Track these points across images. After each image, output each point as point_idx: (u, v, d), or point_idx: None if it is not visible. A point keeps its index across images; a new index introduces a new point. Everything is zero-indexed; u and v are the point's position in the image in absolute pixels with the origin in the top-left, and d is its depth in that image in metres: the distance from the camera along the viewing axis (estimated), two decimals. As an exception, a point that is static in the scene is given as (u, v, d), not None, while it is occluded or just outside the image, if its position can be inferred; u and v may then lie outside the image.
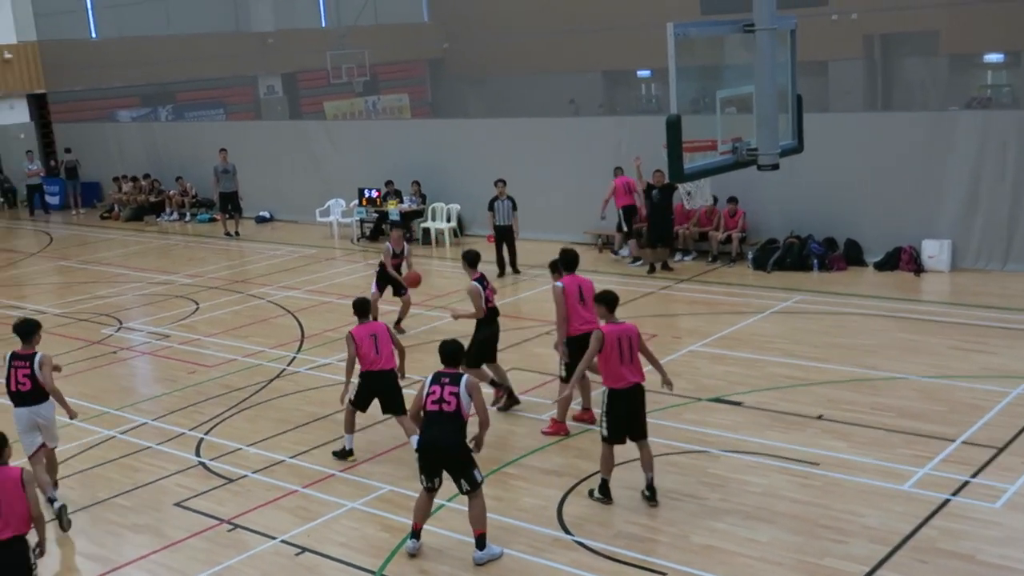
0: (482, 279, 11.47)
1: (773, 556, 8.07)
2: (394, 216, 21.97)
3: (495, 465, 10.04)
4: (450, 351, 8.53)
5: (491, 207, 18.23)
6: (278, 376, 13.36)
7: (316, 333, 15.17)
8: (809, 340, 13.47)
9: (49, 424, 9.71)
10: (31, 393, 9.49)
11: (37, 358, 9.52)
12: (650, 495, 9.04)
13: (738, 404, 11.28)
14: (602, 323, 9.17)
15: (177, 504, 9.75)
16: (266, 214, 26.04)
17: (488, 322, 11.39)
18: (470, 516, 8.36)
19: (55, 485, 9.80)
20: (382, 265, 14.91)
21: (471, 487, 8.27)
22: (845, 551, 8.07)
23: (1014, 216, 16.08)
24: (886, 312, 14.59)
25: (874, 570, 7.78)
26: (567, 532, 8.68)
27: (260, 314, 16.69)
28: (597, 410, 10.41)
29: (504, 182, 18.22)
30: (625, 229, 18.70)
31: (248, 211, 25.30)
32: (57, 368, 9.96)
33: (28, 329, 9.63)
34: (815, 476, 9.40)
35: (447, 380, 8.28)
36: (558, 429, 10.76)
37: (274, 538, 8.92)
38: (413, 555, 8.43)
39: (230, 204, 24.22)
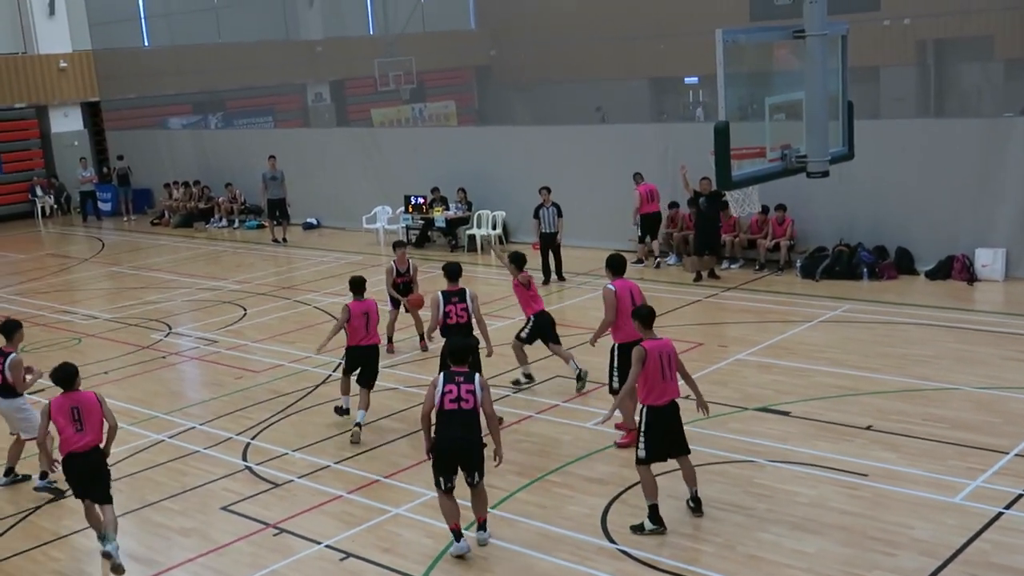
0: (456, 294, 11.24)
1: (821, 568, 7.95)
2: (440, 223, 22.05)
3: (539, 473, 10.01)
4: (459, 350, 8.64)
5: (536, 215, 18.21)
6: (324, 382, 13.44)
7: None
8: (859, 349, 13.28)
9: (12, 416, 10.50)
10: (2, 387, 10.34)
11: (10, 359, 10.29)
12: (695, 506, 8.94)
13: (786, 414, 11.15)
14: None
15: (224, 508, 9.83)
16: (313, 221, 26.25)
17: (448, 335, 10.76)
18: (476, 505, 8.63)
19: (8, 472, 10.71)
20: (396, 288, 14.65)
21: (480, 478, 8.48)
22: (895, 564, 7.93)
23: (1070, 224, 15.77)
24: (938, 322, 14.35)
25: (925, 584, 7.65)
26: (611, 541, 8.62)
27: (307, 320, 16.80)
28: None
29: (548, 189, 18.18)
30: (647, 238, 18.77)
31: (295, 218, 25.52)
32: (29, 370, 10.52)
33: (8, 329, 10.50)
34: (864, 487, 9.26)
35: (461, 379, 8.36)
36: (634, 438, 10.61)
37: (319, 543, 8.96)
38: (462, 556, 8.44)
39: (278, 211, 24.45)
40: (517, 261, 12.43)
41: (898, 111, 32.57)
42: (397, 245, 15.12)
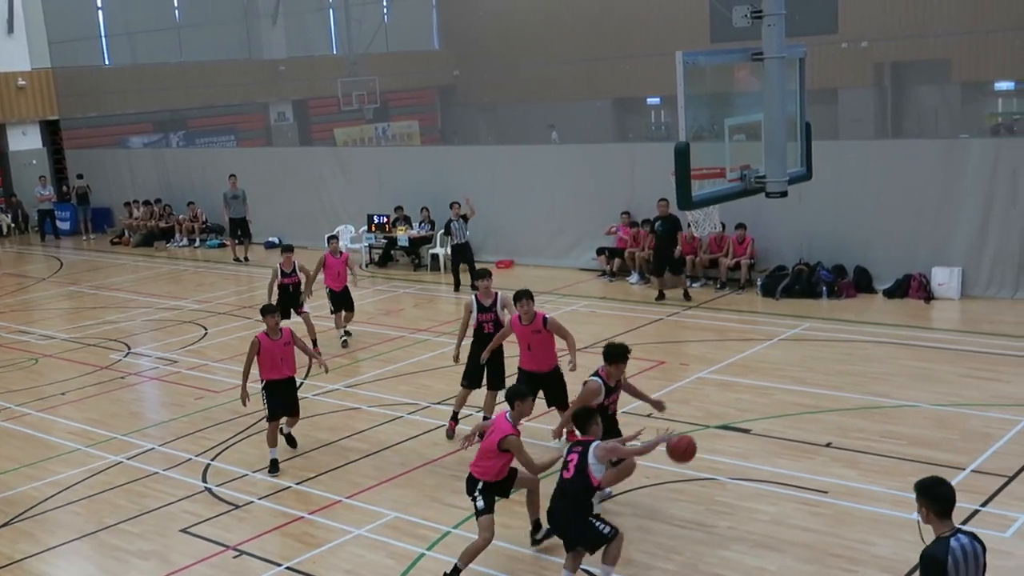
0: None
1: (782, 585, 8.00)
2: (403, 242, 22.03)
3: (502, 492, 9.98)
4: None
5: (448, 229, 19.13)
6: (286, 402, 13.32)
7: (324, 359, 15.12)
8: (818, 367, 13.40)
9: None
10: None
11: None
12: None
13: (747, 432, 11.21)
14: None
15: (183, 530, 9.71)
16: (275, 240, 26.09)
17: None
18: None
19: None
20: (281, 289, 15.20)
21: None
22: (855, 581, 8.00)
23: (1025, 243, 16.04)
24: (896, 340, 14.52)
25: (884, 600, 7.71)
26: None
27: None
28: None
29: (459, 204, 19.11)
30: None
31: (257, 237, 25.37)
32: None
33: None
34: (825, 504, 9.33)
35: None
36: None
37: (280, 565, 8.87)
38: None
39: (240, 230, 24.35)
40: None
41: (856, 132, 33.02)
42: (285, 249, 15.84)
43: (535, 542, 8.87)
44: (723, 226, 17.63)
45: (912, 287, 16.63)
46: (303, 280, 15.44)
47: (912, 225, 16.86)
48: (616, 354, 9.09)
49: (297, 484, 10.58)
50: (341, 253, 16.17)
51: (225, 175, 24.79)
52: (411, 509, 9.77)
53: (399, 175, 23.62)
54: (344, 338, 15.95)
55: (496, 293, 11.46)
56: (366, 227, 22.87)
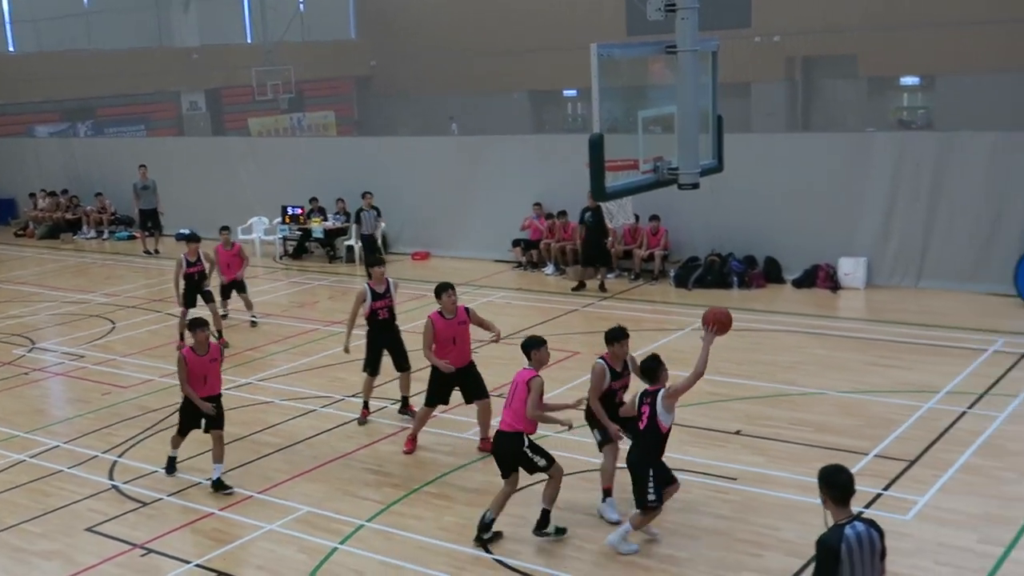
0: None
1: (691, 572, 8.12)
2: (318, 234, 21.80)
3: (416, 484, 9.96)
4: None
5: (357, 218, 19.87)
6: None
7: (237, 352, 14.94)
8: (729, 356, 13.57)
9: None
10: None
11: None
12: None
13: (659, 421, 11.33)
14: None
15: (89, 529, 9.48)
16: (186, 231, 25.57)
17: None
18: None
19: None
20: (186, 278, 15.38)
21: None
22: (761, 564, 8.16)
23: (927, 235, 16.48)
24: (804, 329, 14.83)
25: (790, 583, 7.87)
26: (487, 551, 8.63)
27: (178, 334, 16.35)
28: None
29: (371, 193, 19.91)
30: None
31: (169, 228, 24.85)
32: None
33: None
34: (734, 491, 9.49)
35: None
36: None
37: (189, 562, 8.72)
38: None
39: (150, 221, 23.85)
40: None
41: (768, 125, 33.66)
42: (190, 239, 15.98)
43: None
44: (637, 217, 17.86)
45: (820, 277, 17.00)
46: (208, 268, 15.62)
47: (820, 216, 17.22)
48: (613, 335, 9.30)
49: (207, 480, 10.40)
50: (233, 244, 16.46)
51: (135, 165, 24.25)
52: (324, 503, 9.69)
53: (314, 166, 23.35)
54: (224, 311, 16.39)
55: (388, 280, 11.64)
56: (280, 219, 22.56)
